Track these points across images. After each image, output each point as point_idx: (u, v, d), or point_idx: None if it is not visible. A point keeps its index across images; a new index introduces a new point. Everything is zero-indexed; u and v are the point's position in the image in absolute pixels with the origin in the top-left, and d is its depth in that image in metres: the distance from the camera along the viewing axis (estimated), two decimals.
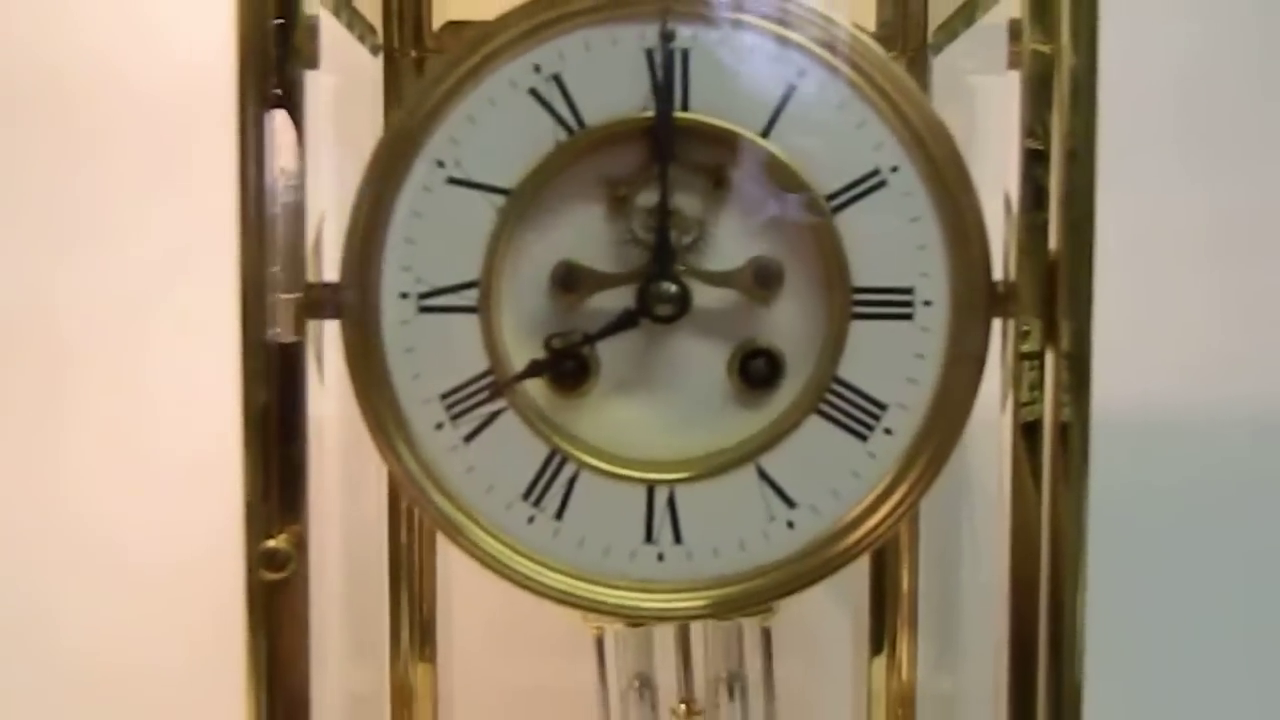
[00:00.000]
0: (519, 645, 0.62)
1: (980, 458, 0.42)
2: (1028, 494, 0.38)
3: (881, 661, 0.55)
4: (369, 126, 0.47)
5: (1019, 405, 0.38)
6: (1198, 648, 0.64)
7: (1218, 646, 0.64)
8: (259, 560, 0.35)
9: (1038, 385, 0.37)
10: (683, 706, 0.51)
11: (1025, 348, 0.37)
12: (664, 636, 0.50)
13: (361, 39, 0.48)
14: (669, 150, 0.38)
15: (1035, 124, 0.37)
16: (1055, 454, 0.37)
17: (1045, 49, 0.37)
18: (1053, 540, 0.37)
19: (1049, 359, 0.37)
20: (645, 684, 0.50)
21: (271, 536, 0.36)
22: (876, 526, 0.39)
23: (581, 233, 0.40)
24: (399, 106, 0.39)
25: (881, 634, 0.55)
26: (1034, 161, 0.37)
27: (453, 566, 0.55)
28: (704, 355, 0.40)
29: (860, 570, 0.55)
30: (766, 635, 0.51)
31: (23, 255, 0.62)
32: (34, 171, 0.63)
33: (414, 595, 0.54)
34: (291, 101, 0.36)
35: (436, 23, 0.50)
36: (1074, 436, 0.37)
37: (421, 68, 0.50)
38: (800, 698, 0.57)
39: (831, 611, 0.61)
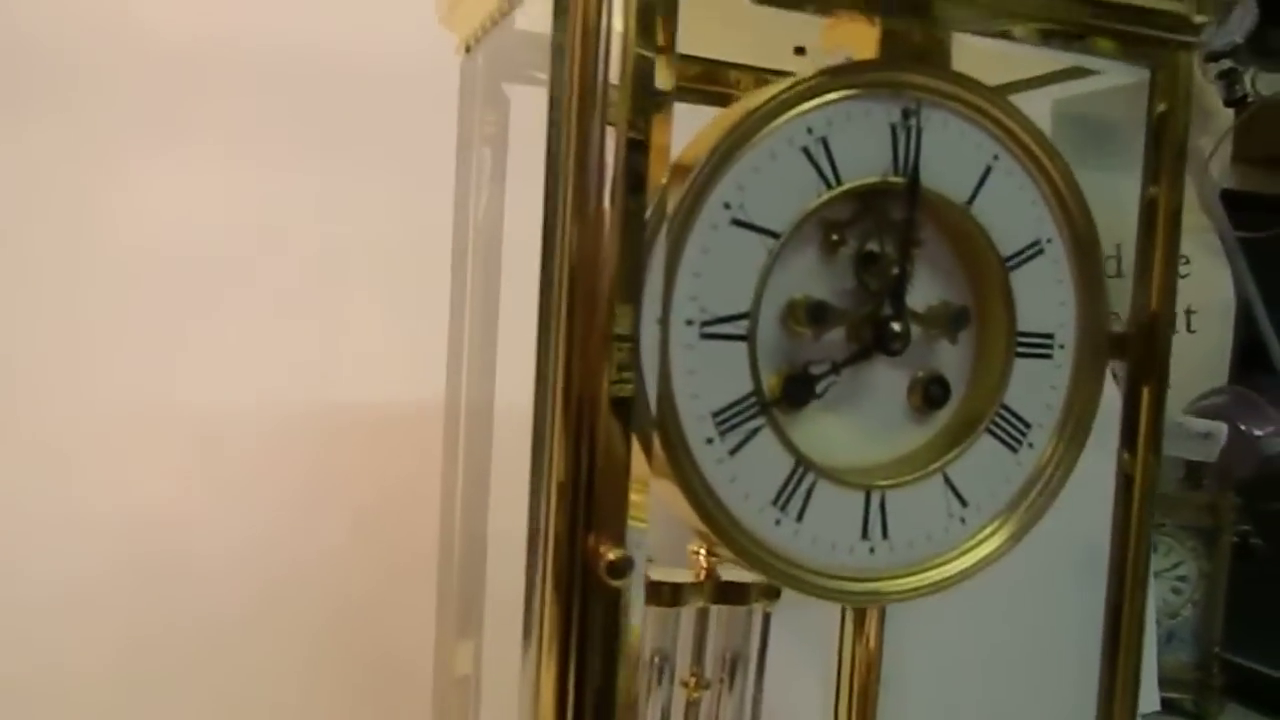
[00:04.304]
0: None
1: None
2: None
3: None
4: None
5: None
6: None
7: None
8: (606, 569, 0.38)
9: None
10: (693, 679, 0.58)
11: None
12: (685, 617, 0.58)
13: None
14: (915, 215, 0.45)
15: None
16: None
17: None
18: None
19: None
20: (665, 660, 0.57)
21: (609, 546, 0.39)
22: (1018, 523, 0.49)
23: (805, 272, 0.46)
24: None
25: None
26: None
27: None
28: (890, 380, 0.48)
29: None
30: (766, 619, 0.59)
31: None
32: None
33: None
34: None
35: None
36: None
37: None
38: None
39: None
